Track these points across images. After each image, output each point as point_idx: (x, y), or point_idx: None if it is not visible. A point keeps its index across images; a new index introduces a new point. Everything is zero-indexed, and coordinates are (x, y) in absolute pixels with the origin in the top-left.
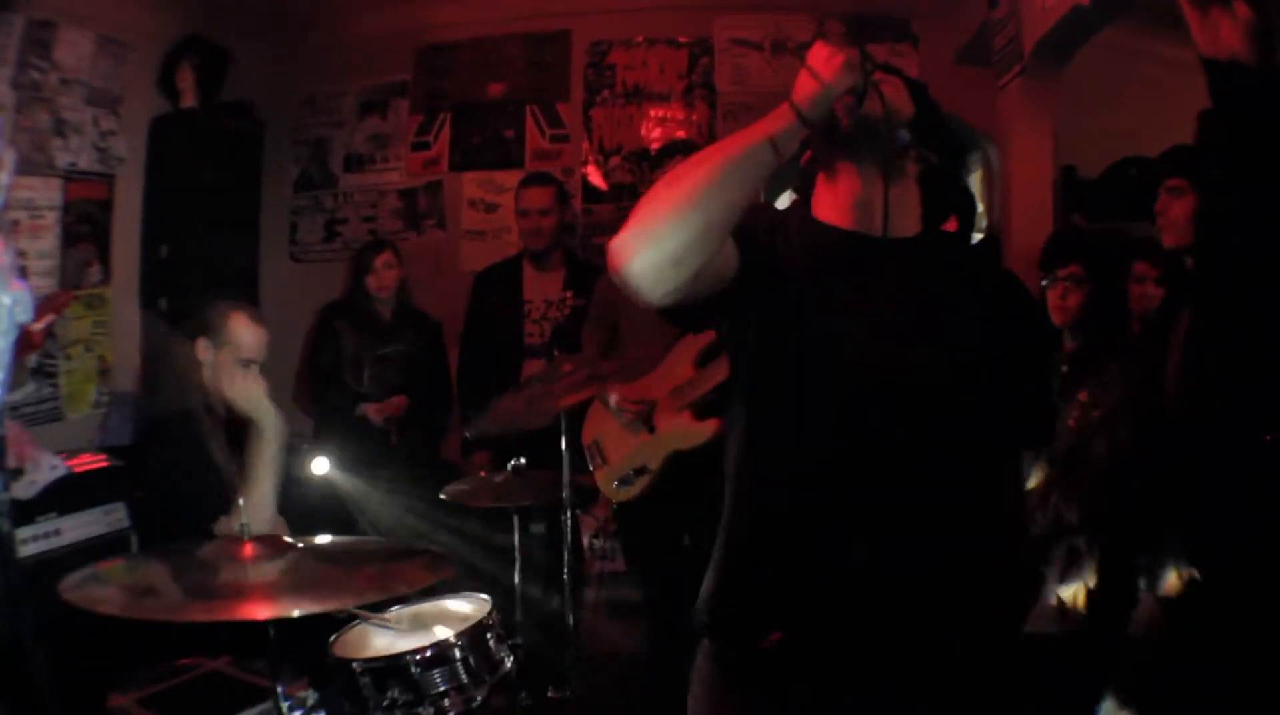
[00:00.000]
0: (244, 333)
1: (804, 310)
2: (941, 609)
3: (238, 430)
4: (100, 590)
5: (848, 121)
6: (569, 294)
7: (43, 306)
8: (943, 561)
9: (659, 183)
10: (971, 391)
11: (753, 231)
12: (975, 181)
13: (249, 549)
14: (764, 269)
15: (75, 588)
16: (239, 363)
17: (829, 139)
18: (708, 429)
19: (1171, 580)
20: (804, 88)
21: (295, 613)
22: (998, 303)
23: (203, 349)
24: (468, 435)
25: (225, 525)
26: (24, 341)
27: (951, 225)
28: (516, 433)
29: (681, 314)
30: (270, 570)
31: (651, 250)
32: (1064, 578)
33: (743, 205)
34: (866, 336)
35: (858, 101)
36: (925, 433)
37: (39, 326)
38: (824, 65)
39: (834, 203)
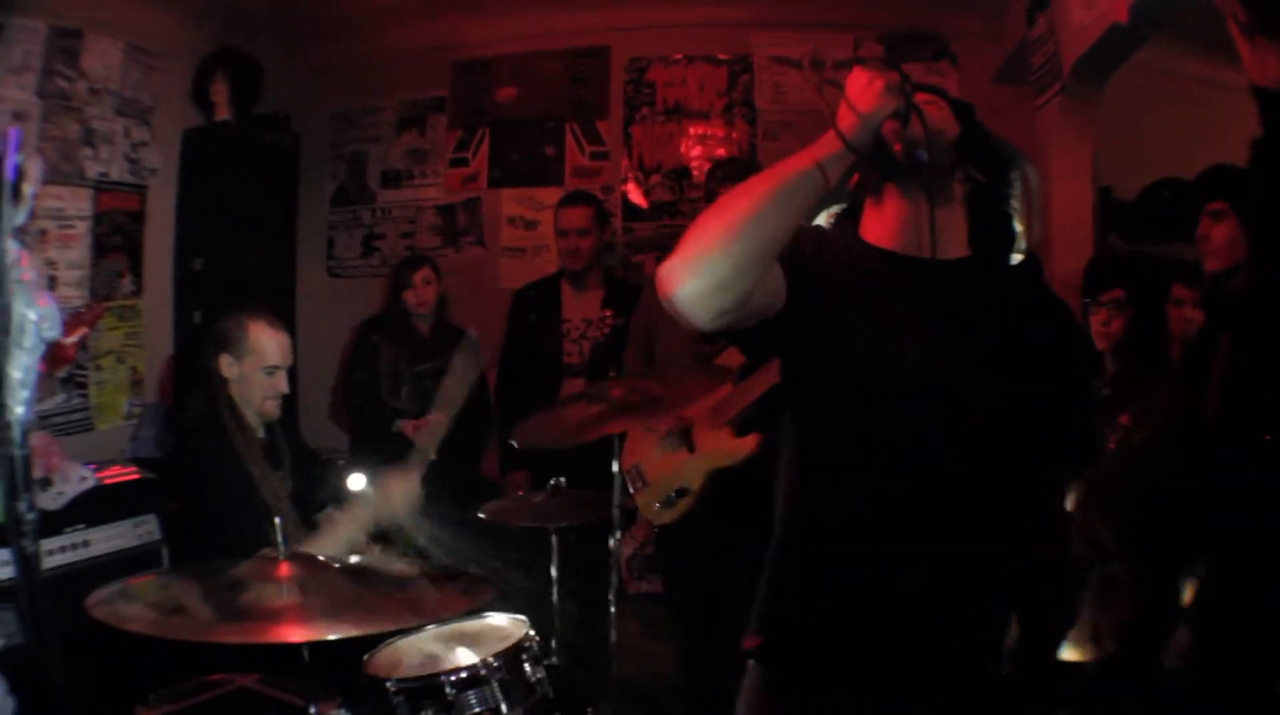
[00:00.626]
0: (265, 340)
1: (854, 332)
2: (991, 630)
3: (274, 446)
4: (128, 607)
5: (900, 147)
6: (608, 313)
7: (74, 320)
8: (992, 583)
9: (707, 210)
10: (1018, 414)
11: (799, 257)
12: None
13: (284, 569)
14: (813, 293)
15: (103, 604)
16: (265, 370)
17: (876, 164)
18: (748, 445)
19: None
20: (845, 117)
21: (331, 636)
22: (1042, 326)
23: (226, 366)
24: (514, 444)
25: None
26: (55, 355)
27: (995, 245)
28: (555, 450)
29: (734, 339)
30: (305, 591)
31: (700, 276)
32: (1099, 603)
33: (790, 231)
34: (916, 358)
35: (902, 124)
36: (974, 454)
37: (71, 340)
38: (862, 94)
39: (882, 225)
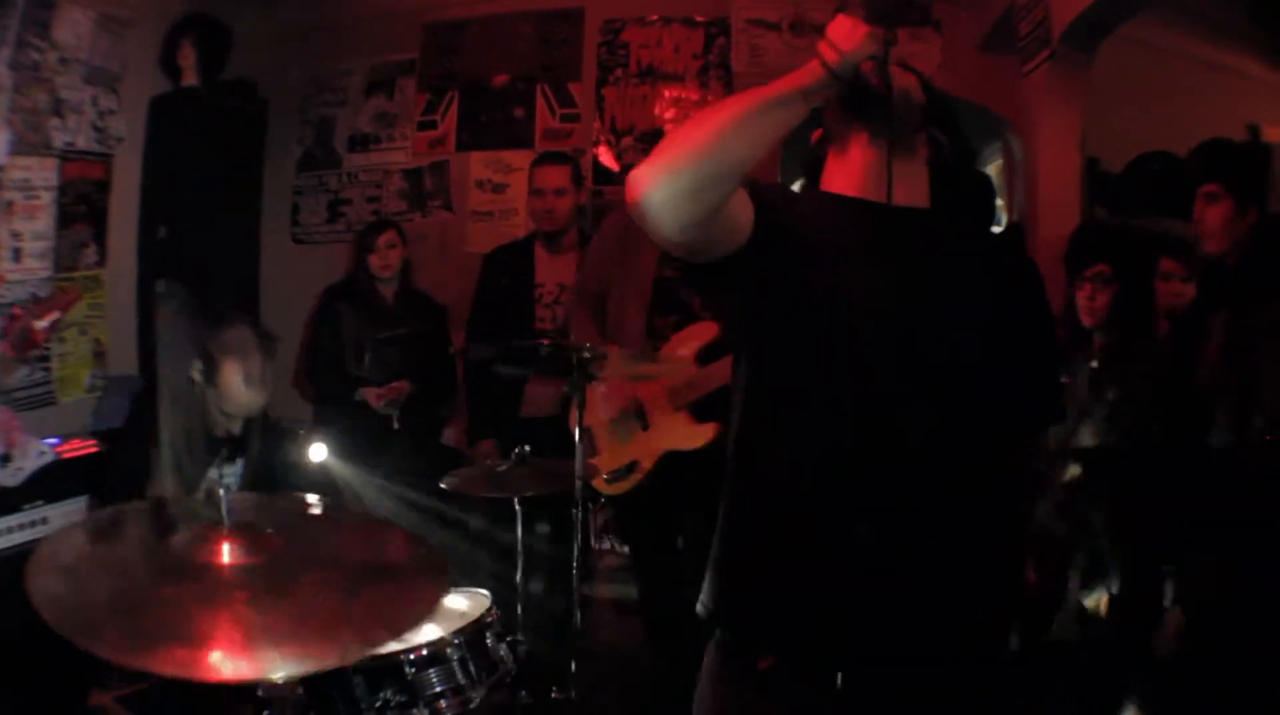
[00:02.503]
0: (232, 386)
1: (812, 273)
2: (950, 592)
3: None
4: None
5: (878, 80)
6: None
7: (47, 303)
8: (950, 541)
9: (685, 122)
10: (976, 362)
11: (768, 196)
12: (996, 172)
13: (225, 542)
14: (776, 231)
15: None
16: (221, 407)
17: (844, 101)
18: (706, 432)
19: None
20: (827, 53)
21: (278, 677)
22: (1004, 279)
23: (196, 372)
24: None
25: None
26: (25, 339)
27: (962, 211)
28: (523, 419)
29: (694, 273)
30: (247, 583)
31: (672, 181)
32: (1087, 582)
33: (766, 146)
34: (872, 298)
35: (878, 66)
36: (931, 402)
37: (42, 324)
38: (846, 36)
39: (843, 173)
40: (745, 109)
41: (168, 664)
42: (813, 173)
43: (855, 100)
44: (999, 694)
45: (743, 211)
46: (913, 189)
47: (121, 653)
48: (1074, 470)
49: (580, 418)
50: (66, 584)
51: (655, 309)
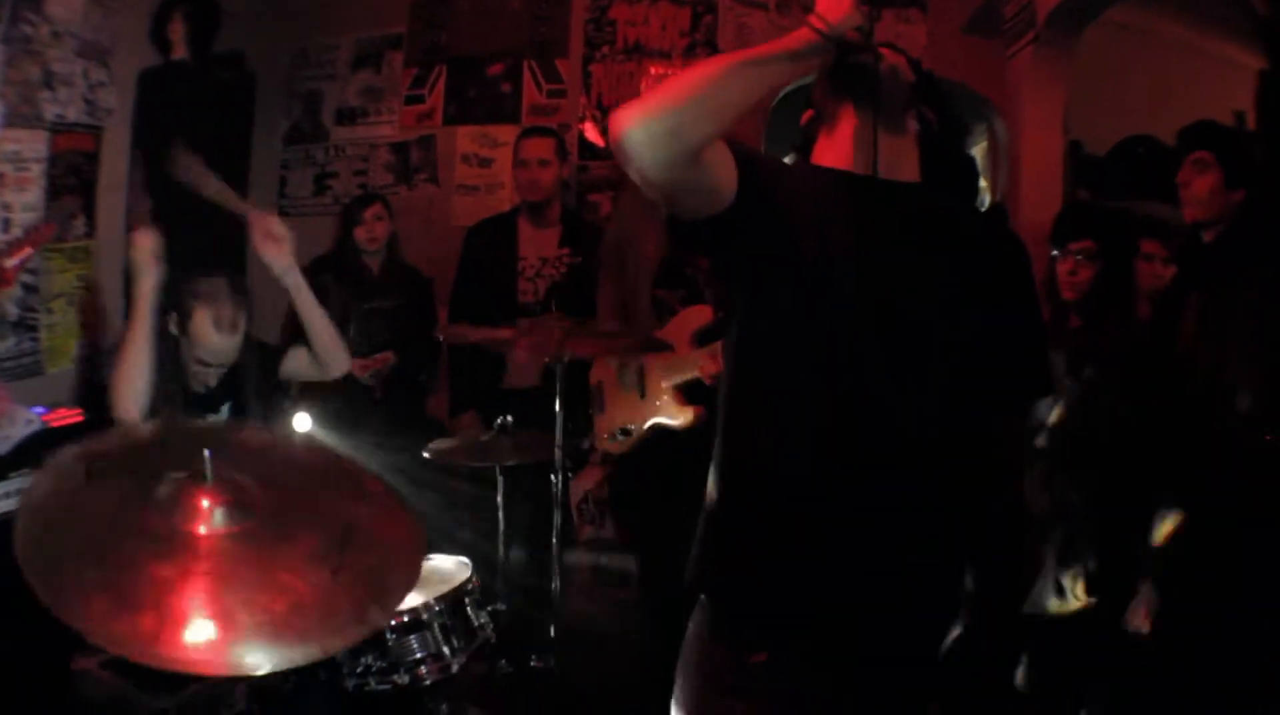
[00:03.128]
0: (205, 335)
1: (800, 242)
2: (936, 563)
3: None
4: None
5: (864, 49)
6: (566, 251)
7: (19, 241)
8: (937, 512)
9: (675, 73)
10: (964, 335)
11: (752, 158)
12: (980, 153)
13: (206, 499)
14: (760, 193)
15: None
16: (196, 357)
17: (832, 76)
18: (687, 415)
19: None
20: (815, 24)
21: (259, 670)
22: (992, 255)
23: (172, 323)
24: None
25: None
26: None
27: (950, 188)
28: (503, 390)
29: (683, 232)
30: (227, 554)
31: (653, 119)
32: (1064, 560)
33: (750, 100)
34: (860, 269)
35: (864, 37)
36: (918, 374)
37: (13, 262)
38: (833, 8)
39: (833, 149)
40: (731, 62)
41: (139, 651)
42: (804, 152)
43: (842, 73)
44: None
45: (725, 168)
46: (901, 164)
47: (96, 634)
48: (1047, 445)
49: (562, 390)
50: (48, 539)
51: (662, 282)
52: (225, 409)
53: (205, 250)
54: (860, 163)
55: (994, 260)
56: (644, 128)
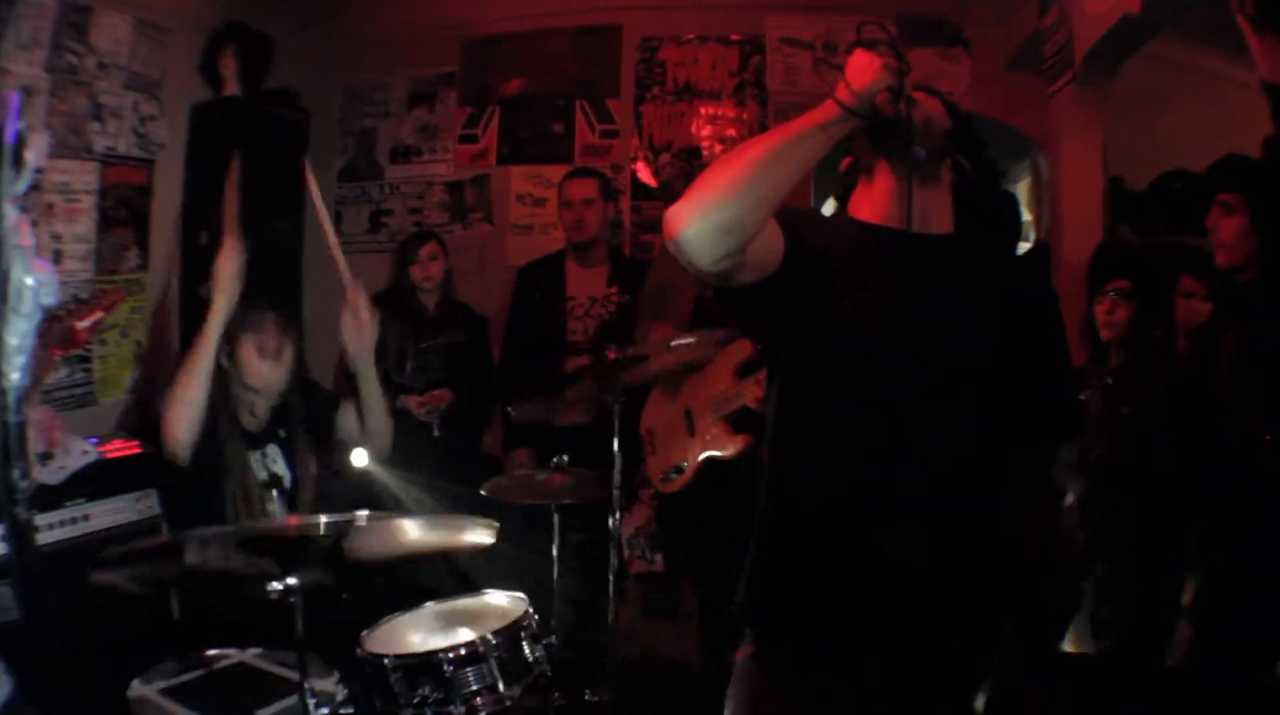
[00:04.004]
0: (249, 362)
1: (838, 297)
2: (972, 598)
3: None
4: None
5: (891, 110)
6: (614, 290)
7: (90, 304)
8: (972, 550)
9: (716, 160)
10: (994, 381)
11: (796, 224)
12: (1024, 190)
13: None
14: (804, 258)
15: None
16: (242, 384)
17: (869, 133)
18: (737, 443)
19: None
20: (842, 92)
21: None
22: (1021, 300)
23: (224, 357)
24: (511, 412)
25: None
26: (67, 338)
27: (986, 231)
28: (557, 428)
29: (729, 298)
30: None
31: (706, 217)
32: (1101, 595)
33: (792, 183)
34: (892, 323)
35: (894, 97)
36: (951, 418)
37: (85, 324)
38: (861, 73)
39: (870, 202)
40: (769, 147)
41: None
42: (843, 197)
43: (877, 131)
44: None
45: (774, 241)
46: (935, 215)
47: None
48: (1088, 484)
49: (619, 428)
50: None
51: (695, 325)
52: (273, 450)
53: (260, 284)
54: (896, 217)
55: (1022, 306)
56: (696, 227)
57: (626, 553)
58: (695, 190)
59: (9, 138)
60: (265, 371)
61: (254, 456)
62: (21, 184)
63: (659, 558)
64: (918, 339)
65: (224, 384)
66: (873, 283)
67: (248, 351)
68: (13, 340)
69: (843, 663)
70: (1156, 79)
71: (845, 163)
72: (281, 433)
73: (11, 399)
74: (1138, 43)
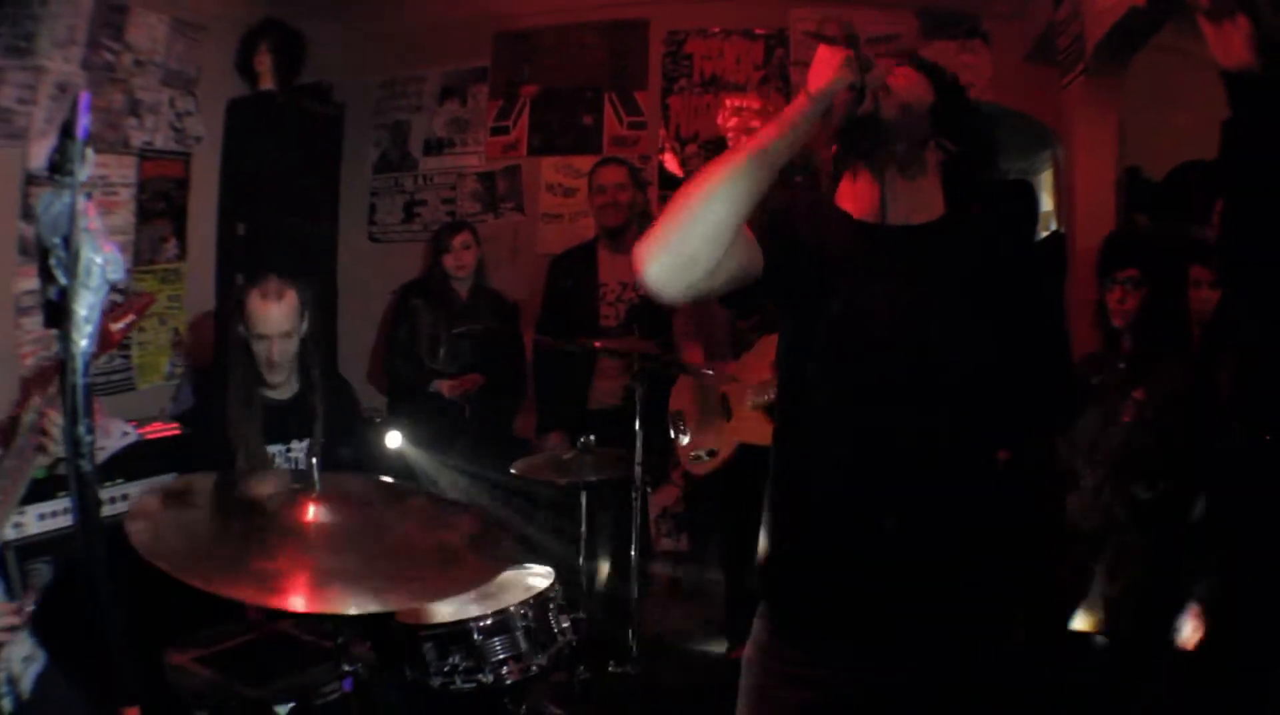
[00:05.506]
0: (255, 308)
1: (830, 293)
2: (967, 574)
3: (294, 412)
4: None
5: (856, 108)
6: None
7: (123, 307)
8: (967, 530)
9: (677, 190)
10: (984, 366)
11: (774, 225)
12: (1044, 180)
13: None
14: (788, 258)
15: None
16: (256, 339)
17: (839, 134)
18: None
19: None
20: (800, 97)
21: (352, 610)
22: (1013, 283)
23: (242, 333)
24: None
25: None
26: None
27: (979, 209)
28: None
29: (725, 301)
30: (329, 540)
31: (667, 253)
32: (1113, 576)
33: (750, 205)
34: (877, 316)
35: (858, 97)
36: (942, 406)
37: (119, 326)
38: (819, 71)
39: (854, 195)
40: (729, 170)
41: (252, 594)
42: (832, 184)
43: (850, 132)
44: (1016, 683)
45: (749, 255)
46: (921, 204)
47: (212, 584)
48: (1101, 467)
49: (641, 411)
50: (168, 532)
51: (736, 313)
52: (297, 445)
53: (292, 274)
54: (870, 212)
55: (1015, 289)
56: (660, 263)
57: (654, 531)
58: (657, 225)
59: (80, 131)
60: (270, 312)
61: (277, 450)
62: (84, 173)
63: (684, 537)
64: (903, 332)
65: (246, 358)
66: (858, 278)
67: (253, 299)
68: (82, 311)
69: (842, 632)
70: (1174, 71)
71: (831, 151)
72: (301, 432)
73: (80, 363)
74: (1145, 35)
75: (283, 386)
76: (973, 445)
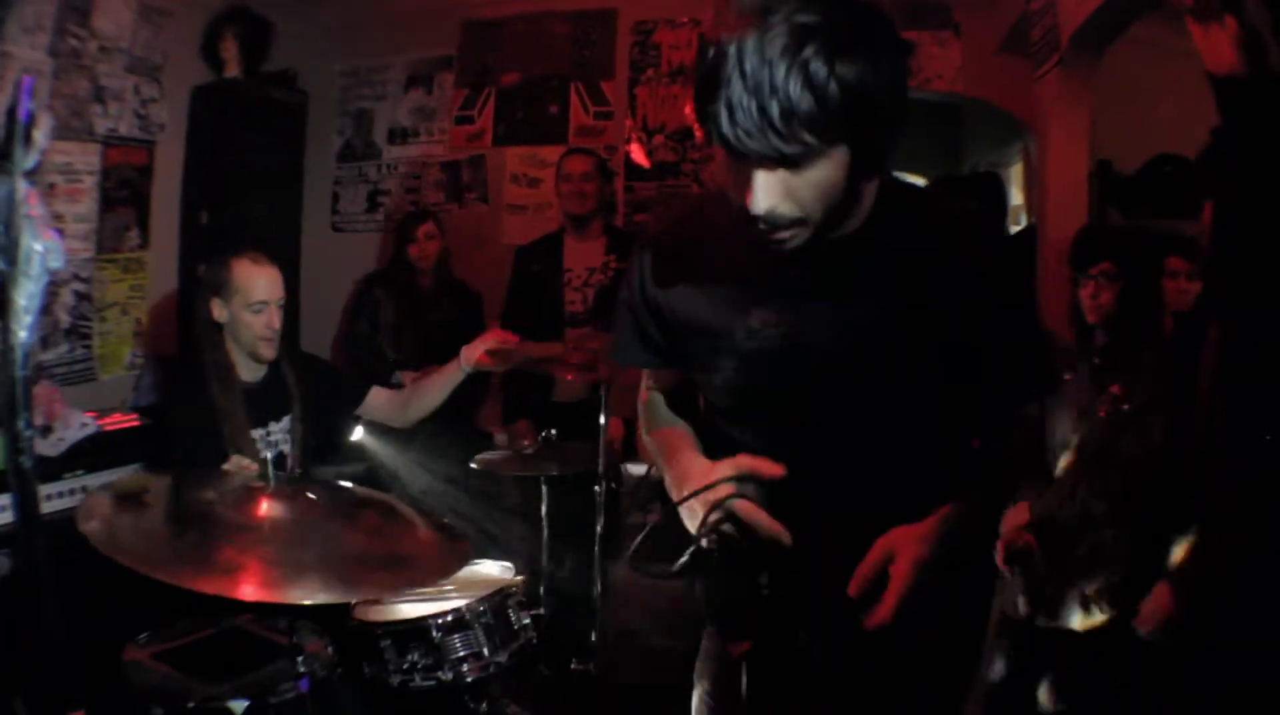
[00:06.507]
0: (248, 275)
1: (731, 326)
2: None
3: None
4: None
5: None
6: (612, 258)
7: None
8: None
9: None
10: (922, 369)
11: (643, 337)
12: (1015, 173)
13: (263, 503)
14: (666, 328)
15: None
16: (251, 308)
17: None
18: None
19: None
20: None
21: (307, 601)
22: (948, 276)
23: (218, 309)
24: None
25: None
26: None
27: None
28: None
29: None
30: (282, 534)
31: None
32: (1089, 572)
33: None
34: (791, 342)
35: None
36: (875, 421)
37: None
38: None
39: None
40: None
41: (208, 584)
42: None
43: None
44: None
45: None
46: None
47: (170, 575)
48: (1074, 462)
49: (607, 403)
50: (125, 528)
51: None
52: (277, 428)
53: None
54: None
55: (950, 282)
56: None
57: (624, 504)
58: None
59: (22, 116)
60: (265, 277)
61: (258, 435)
62: (30, 161)
63: (656, 506)
64: (809, 357)
65: (218, 340)
66: (757, 305)
67: (243, 267)
68: (21, 301)
69: (769, 629)
70: (1148, 63)
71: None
72: (278, 412)
73: (19, 355)
74: (1120, 26)
75: (257, 368)
76: (909, 459)
